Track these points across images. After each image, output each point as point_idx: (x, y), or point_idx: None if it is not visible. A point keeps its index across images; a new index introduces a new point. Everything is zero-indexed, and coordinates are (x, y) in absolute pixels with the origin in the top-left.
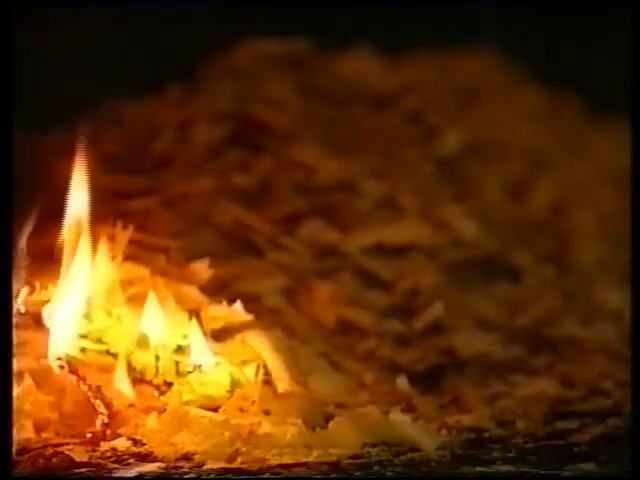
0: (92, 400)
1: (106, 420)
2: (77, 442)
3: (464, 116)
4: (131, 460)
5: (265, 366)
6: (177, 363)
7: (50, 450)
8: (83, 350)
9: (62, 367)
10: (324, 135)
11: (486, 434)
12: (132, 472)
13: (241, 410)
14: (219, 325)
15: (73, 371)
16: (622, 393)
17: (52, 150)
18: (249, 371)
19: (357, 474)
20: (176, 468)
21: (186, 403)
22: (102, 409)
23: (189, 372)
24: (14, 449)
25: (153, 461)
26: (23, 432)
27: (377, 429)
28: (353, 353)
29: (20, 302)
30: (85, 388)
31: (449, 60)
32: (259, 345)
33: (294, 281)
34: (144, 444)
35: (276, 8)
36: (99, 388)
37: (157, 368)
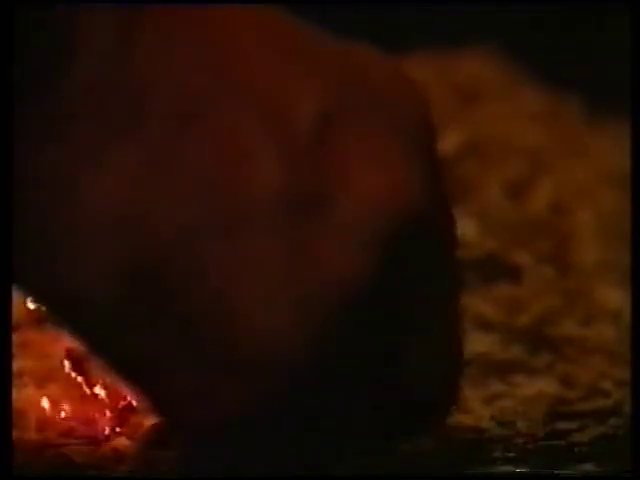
0: (94, 400)
1: (107, 420)
2: (77, 442)
3: (464, 116)
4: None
5: None
6: None
7: (50, 450)
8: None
9: (69, 356)
10: None
11: (486, 434)
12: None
13: None
14: None
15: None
16: (622, 393)
17: None
18: None
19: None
20: None
21: None
22: (104, 409)
23: None
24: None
25: None
26: (23, 432)
27: None
28: None
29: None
30: (87, 390)
31: (449, 60)
32: None
33: None
34: None
35: (276, 8)
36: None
37: None
